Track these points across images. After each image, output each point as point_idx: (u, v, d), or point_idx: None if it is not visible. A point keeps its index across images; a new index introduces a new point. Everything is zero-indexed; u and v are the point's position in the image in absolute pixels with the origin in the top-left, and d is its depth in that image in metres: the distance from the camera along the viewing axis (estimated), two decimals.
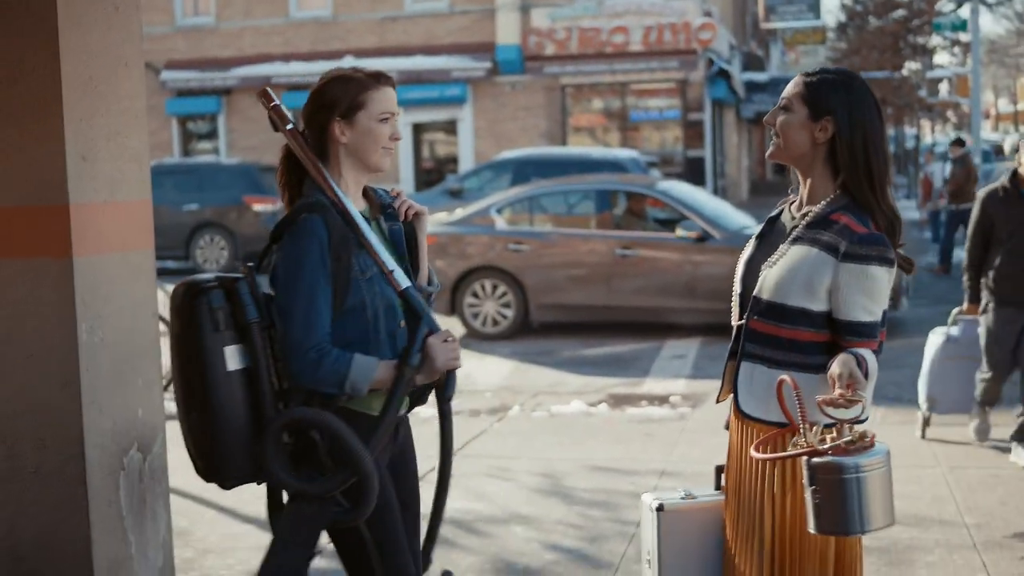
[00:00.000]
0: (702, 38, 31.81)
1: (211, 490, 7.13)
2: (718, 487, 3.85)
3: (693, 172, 31.54)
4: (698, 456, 7.96)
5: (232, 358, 3.38)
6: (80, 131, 4.59)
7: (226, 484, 3.50)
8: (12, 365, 4.64)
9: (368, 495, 3.38)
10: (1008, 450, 7.82)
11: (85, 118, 4.61)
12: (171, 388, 9.83)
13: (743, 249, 3.79)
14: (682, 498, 3.88)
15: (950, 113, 49.98)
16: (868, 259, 3.41)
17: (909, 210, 29.32)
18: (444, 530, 6.40)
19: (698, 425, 8.99)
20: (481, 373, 11.24)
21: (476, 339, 13.56)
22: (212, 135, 35.54)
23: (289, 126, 3.54)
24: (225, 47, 34.91)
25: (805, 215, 3.57)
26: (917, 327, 13.84)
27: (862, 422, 3.28)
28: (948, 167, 24.61)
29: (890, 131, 48.16)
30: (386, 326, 3.49)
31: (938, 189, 24.08)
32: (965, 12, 36.65)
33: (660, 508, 3.81)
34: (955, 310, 8.10)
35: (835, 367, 3.32)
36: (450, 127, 33.87)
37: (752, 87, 40.64)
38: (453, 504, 6.85)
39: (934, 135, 51.92)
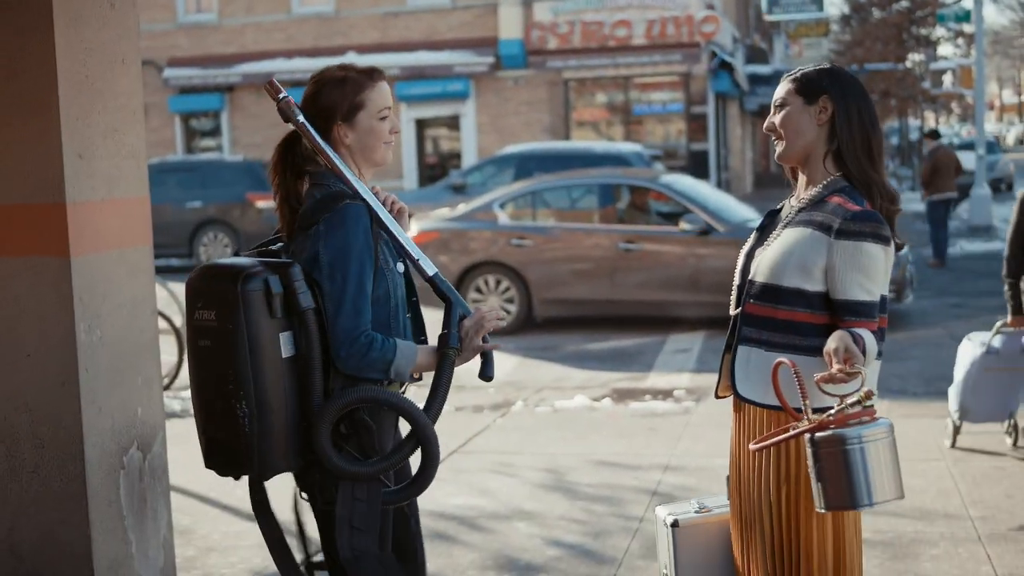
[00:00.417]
0: (705, 31, 31.77)
1: (214, 488, 7.18)
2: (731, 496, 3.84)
3: (697, 165, 31.51)
4: (702, 450, 7.94)
5: (285, 345, 3.33)
6: (77, 129, 4.57)
7: (265, 476, 3.43)
8: (10, 364, 4.63)
9: (431, 465, 3.41)
10: (1012, 443, 7.79)
11: (82, 116, 4.60)
12: (172, 386, 9.81)
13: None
14: (696, 511, 3.87)
15: (954, 104, 49.93)
16: (862, 236, 3.40)
17: (914, 202, 29.26)
18: (446, 526, 6.42)
19: (702, 419, 8.96)
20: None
21: None
22: (215, 132, 35.54)
23: (300, 118, 3.50)
24: (227, 44, 34.89)
25: (802, 201, 3.58)
26: (921, 319, 13.84)
27: (869, 405, 3.27)
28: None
29: (894, 123, 48.17)
30: (402, 315, 3.53)
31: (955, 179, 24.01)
32: (968, 3, 36.66)
33: (675, 524, 3.81)
34: (999, 322, 7.83)
35: (830, 343, 3.31)
36: (453, 122, 33.85)
37: (755, 80, 40.59)
38: (456, 500, 6.87)
39: (938, 126, 51.82)
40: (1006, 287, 7.78)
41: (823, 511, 3.29)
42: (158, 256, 20.45)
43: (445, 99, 32.95)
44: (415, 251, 3.52)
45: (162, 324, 9.90)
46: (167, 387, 10.21)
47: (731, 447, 3.72)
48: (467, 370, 3.78)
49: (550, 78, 32.94)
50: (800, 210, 3.57)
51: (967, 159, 33.90)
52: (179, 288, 12.64)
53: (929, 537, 6.05)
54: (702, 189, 14.90)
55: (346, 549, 3.41)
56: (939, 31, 42.49)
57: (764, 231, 3.70)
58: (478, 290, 13.88)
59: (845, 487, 3.18)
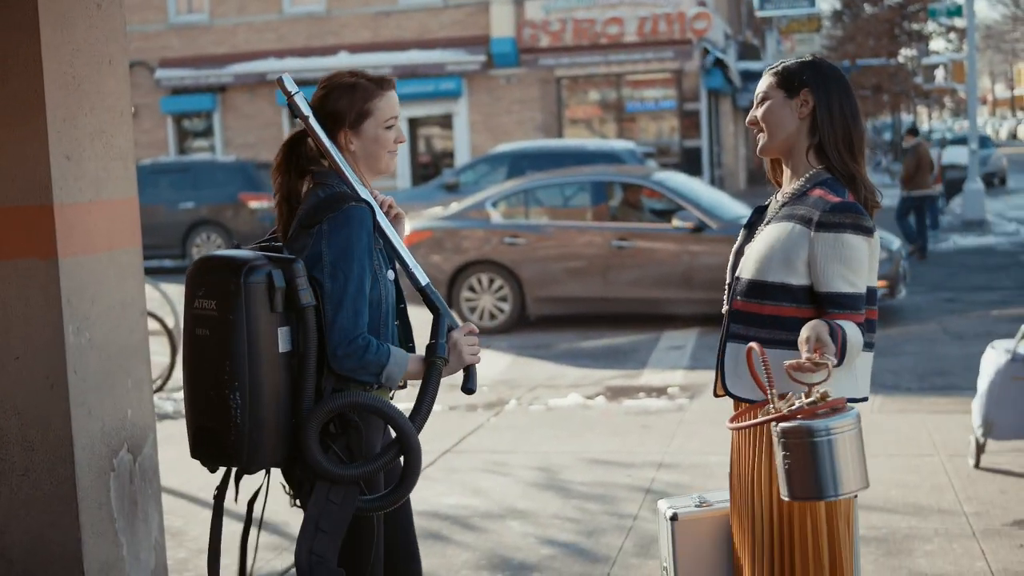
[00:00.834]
0: (697, 28, 31.78)
1: (205, 489, 7.15)
2: None
3: (690, 162, 31.53)
4: (696, 448, 7.93)
5: (283, 340, 3.34)
6: (64, 131, 4.55)
7: (251, 469, 3.42)
8: None
9: (413, 473, 3.42)
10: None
11: (69, 117, 4.58)
12: (165, 387, 9.79)
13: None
14: (696, 506, 3.88)
15: (946, 99, 49.98)
16: (842, 227, 3.39)
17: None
18: (440, 525, 6.41)
19: (696, 416, 8.95)
20: (478, 367, 11.14)
21: None
22: (208, 133, 35.51)
23: (310, 116, 3.50)
24: (219, 44, 34.85)
25: (785, 195, 3.57)
26: (914, 315, 13.84)
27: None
28: (941, 152, 24.84)
29: (887, 118, 48.20)
30: (391, 321, 3.54)
31: (932, 175, 24.15)
32: None
33: (674, 518, 3.81)
34: None
35: (803, 331, 3.31)
36: (445, 121, 33.84)
37: (748, 76, 40.54)
38: (449, 500, 6.85)
39: (931, 121, 51.90)
40: None
41: (787, 499, 3.29)
42: (151, 257, 20.59)
43: (437, 98, 32.93)
44: (410, 260, 3.53)
45: (154, 325, 9.90)
46: (160, 388, 10.19)
47: (731, 442, 3.71)
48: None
49: (542, 76, 32.93)
50: (783, 204, 3.58)
51: (960, 154, 34.00)
52: (172, 289, 12.66)
53: (923, 533, 6.04)
54: (695, 186, 14.89)
55: (304, 552, 3.41)
56: (931, 26, 42.53)
57: (752, 228, 3.70)
58: (471, 289, 13.86)
59: (812, 478, 3.19)
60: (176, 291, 14.25)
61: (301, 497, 3.51)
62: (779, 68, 3.64)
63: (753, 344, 3.36)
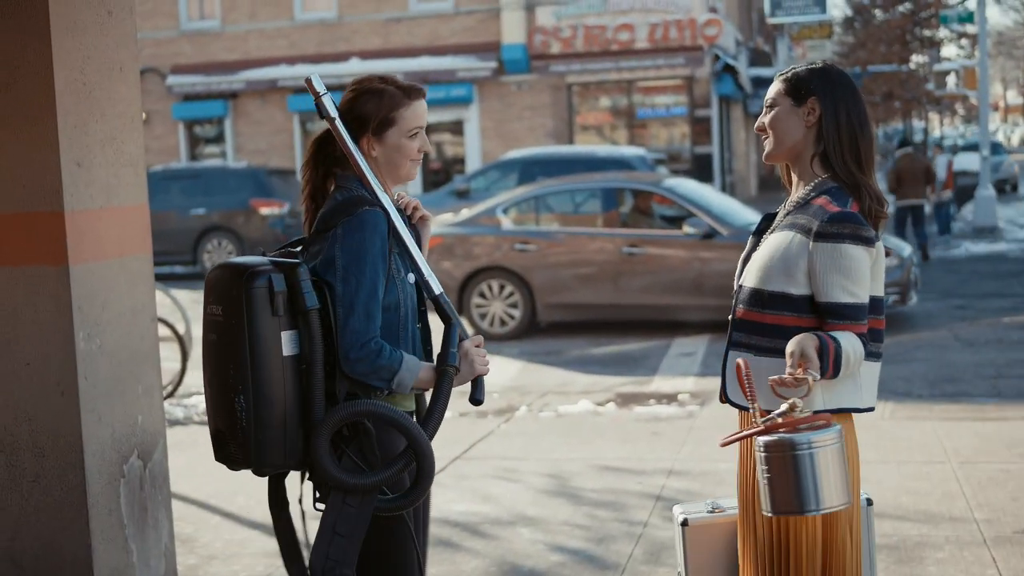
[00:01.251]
0: (708, 34, 31.77)
1: (216, 495, 7.16)
2: None
3: (701, 168, 31.51)
4: (706, 455, 7.91)
5: (287, 344, 3.36)
6: (75, 137, 4.57)
7: (262, 471, 3.44)
8: (10, 374, 4.62)
9: (426, 480, 3.42)
10: (1019, 444, 7.77)
11: (80, 124, 4.59)
12: (176, 394, 9.81)
13: None
14: (709, 511, 3.88)
15: (958, 106, 49.89)
16: (840, 237, 3.38)
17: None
18: (450, 532, 6.40)
19: (706, 423, 8.94)
20: (488, 374, 11.12)
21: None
22: (219, 139, 35.58)
23: (336, 120, 3.51)
24: (231, 51, 34.92)
25: (792, 204, 3.57)
26: (925, 321, 13.81)
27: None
28: (951, 159, 24.99)
29: (898, 124, 48.13)
30: (411, 326, 3.55)
31: (941, 181, 24.30)
32: (972, 4, 36.54)
33: (685, 523, 3.82)
34: None
35: (789, 345, 3.31)
36: (456, 128, 33.86)
37: (759, 83, 40.54)
38: (459, 507, 6.85)
39: (942, 128, 51.82)
40: None
41: (769, 515, 3.29)
42: (162, 263, 20.64)
43: (448, 104, 32.96)
44: (425, 268, 3.53)
45: (165, 331, 9.91)
46: (171, 394, 10.20)
47: (738, 449, 3.71)
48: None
49: (553, 82, 32.95)
50: (788, 213, 3.57)
51: (971, 160, 33.95)
52: (182, 295, 12.65)
53: (934, 540, 6.03)
54: (706, 192, 14.87)
55: (321, 558, 3.42)
56: (942, 32, 42.47)
57: (761, 235, 3.69)
58: (482, 295, 13.86)
59: (793, 492, 3.18)
60: (187, 297, 14.29)
61: (325, 499, 3.52)
62: (789, 75, 3.63)
63: (739, 359, 3.37)
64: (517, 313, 13.79)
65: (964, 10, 35.65)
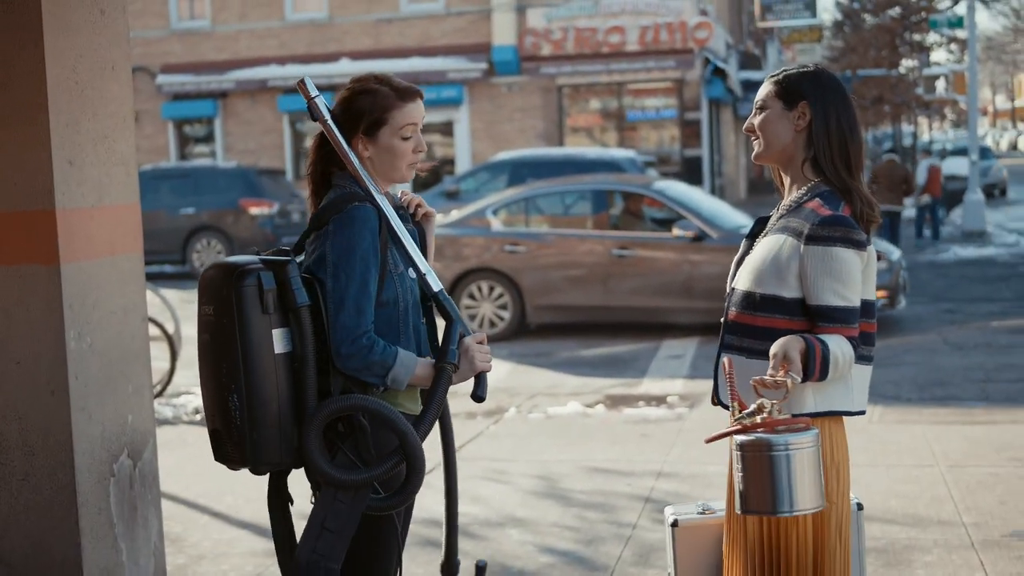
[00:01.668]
0: (698, 37, 31.80)
1: (204, 495, 7.16)
2: None
3: (690, 171, 31.54)
4: (695, 457, 7.92)
5: (279, 341, 3.36)
6: (67, 136, 4.56)
7: (260, 469, 3.44)
8: (0, 372, 4.61)
9: (416, 479, 3.41)
10: (1007, 448, 7.79)
11: (72, 123, 4.59)
12: (165, 393, 9.79)
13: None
14: (699, 513, 3.89)
15: (947, 110, 49.98)
16: (831, 240, 3.39)
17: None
18: (438, 533, 6.34)
19: (695, 425, 8.95)
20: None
21: None
22: (209, 139, 35.53)
23: (328, 119, 3.51)
24: (221, 50, 34.88)
25: (784, 207, 3.58)
26: (915, 325, 13.84)
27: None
28: (932, 164, 25.15)
29: (888, 128, 48.20)
30: (412, 320, 3.55)
31: (920, 186, 24.47)
32: (961, 9, 36.62)
33: (675, 524, 3.83)
34: None
35: (773, 347, 3.32)
36: (447, 129, 33.85)
37: (749, 86, 40.57)
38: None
39: (931, 132, 51.91)
40: None
41: (740, 513, 3.30)
42: (151, 263, 20.59)
43: (439, 105, 32.92)
44: (423, 265, 3.53)
45: (154, 331, 9.90)
46: (160, 394, 10.19)
47: (729, 451, 3.71)
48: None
49: (544, 84, 32.96)
50: (780, 216, 3.58)
51: (960, 165, 34.03)
52: (171, 295, 12.62)
53: (923, 544, 6.04)
54: (695, 195, 14.90)
55: (307, 551, 3.42)
56: (932, 37, 42.53)
57: (754, 238, 3.69)
58: (471, 296, 13.86)
59: (768, 492, 3.19)
60: (176, 297, 14.26)
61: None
62: (780, 77, 3.62)
63: (725, 359, 3.40)
64: (506, 315, 13.79)
65: (954, 15, 35.68)
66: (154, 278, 17.88)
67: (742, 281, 3.56)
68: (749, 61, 43.68)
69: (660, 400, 10.10)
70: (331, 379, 3.40)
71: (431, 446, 3.57)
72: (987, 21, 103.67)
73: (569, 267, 13.72)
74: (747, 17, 46.12)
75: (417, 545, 5.84)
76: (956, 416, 9.03)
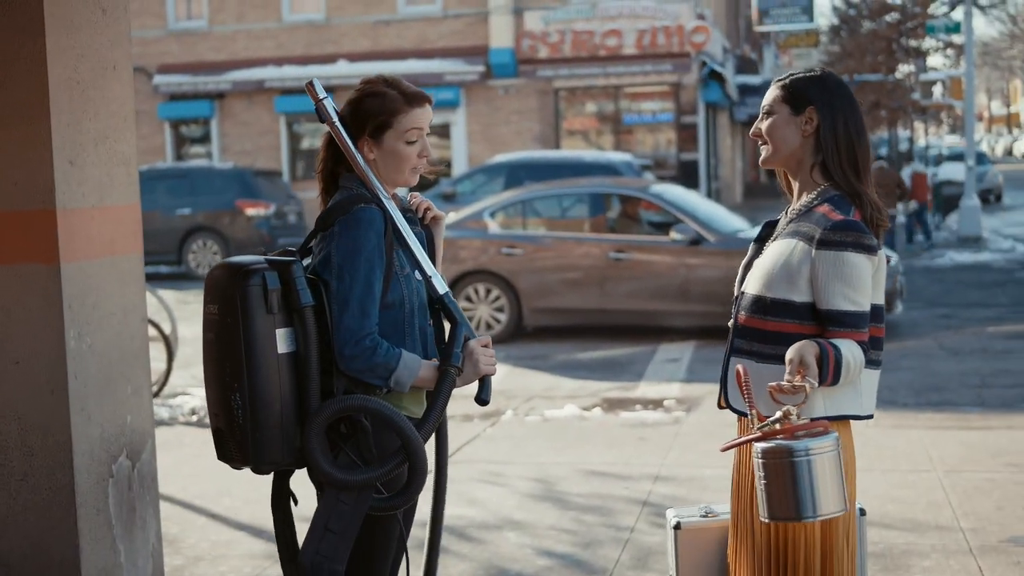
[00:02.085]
0: (695, 41, 31.80)
1: (201, 496, 7.15)
2: None
3: (687, 175, 31.53)
4: (692, 460, 7.92)
5: (283, 341, 3.36)
6: (68, 135, 4.55)
7: (262, 469, 3.44)
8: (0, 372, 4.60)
9: (418, 480, 3.42)
10: (1004, 453, 7.80)
11: (73, 122, 4.58)
12: (161, 394, 9.78)
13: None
14: (702, 516, 3.89)
15: (943, 115, 50.03)
16: (843, 245, 3.39)
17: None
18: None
19: (692, 429, 8.95)
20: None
21: None
22: (205, 139, 35.48)
23: (335, 121, 3.52)
24: (218, 51, 34.85)
25: (794, 211, 3.58)
26: (911, 330, 13.85)
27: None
28: (915, 170, 25.21)
29: (884, 133, 48.23)
30: (419, 322, 3.54)
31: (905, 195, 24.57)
32: (958, 15, 36.68)
33: (677, 527, 3.84)
34: None
35: (788, 352, 3.32)
36: (443, 131, 33.80)
37: (745, 90, 40.62)
38: (445, 510, 6.82)
39: (927, 137, 51.95)
40: None
41: (766, 521, 3.30)
42: (147, 263, 20.51)
43: (436, 107, 32.49)
44: (429, 267, 3.54)
45: (151, 331, 9.88)
46: (156, 395, 10.17)
47: (734, 455, 3.71)
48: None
49: (540, 87, 32.94)
50: (790, 221, 3.58)
51: (956, 170, 34.07)
52: (168, 295, 12.60)
53: (920, 549, 6.04)
54: (693, 199, 14.90)
55: (310, 553, 3.42)
56: (928, 42, 42.59)
57: (762, 242, 3.69)
58: (468, 299, 13.86)
59: (791, 498, 3.19)
60: (172, 297, 14.24)
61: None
62: (787, 81, 3.62)
63: (739, 366, 3.39)
64: (503, 317, 13.79)
65: (951, 20, 35.75)
66: (150, 279, 17.82)
67: (752, 285, 3.55)
68: (746, 65, 43.72)
69: (657, 403, 10.10)
70: (334, 380, 3.41)
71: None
72: (983, 27, 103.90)
73: (566, 270, 13.73)
74: (744, 21, 46.17)
75: (416, 548, 5.82)
76: (952, 421, 9.03)
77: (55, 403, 4.55)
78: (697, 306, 13.17)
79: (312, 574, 3.41)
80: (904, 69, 44.43)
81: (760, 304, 3.50)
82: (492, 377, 3.61)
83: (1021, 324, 14.22)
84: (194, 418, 9.70)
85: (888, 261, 13.18)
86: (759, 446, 3.24)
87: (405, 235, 3.50)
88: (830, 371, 3.31)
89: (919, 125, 47.65)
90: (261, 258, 3.44)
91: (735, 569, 3.65)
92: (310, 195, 31.73)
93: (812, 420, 3.30)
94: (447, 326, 3.59)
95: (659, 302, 13.43)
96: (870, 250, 3.42)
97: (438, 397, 3.44)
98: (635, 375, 11.65)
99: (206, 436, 8.96)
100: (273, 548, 6.15)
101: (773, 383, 3.27)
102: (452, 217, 14.79)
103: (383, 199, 3.49)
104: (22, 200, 4.52)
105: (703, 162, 33.41)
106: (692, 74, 32.34)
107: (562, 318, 13.97)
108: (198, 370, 11.82)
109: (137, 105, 27.96)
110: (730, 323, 3.68)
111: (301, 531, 3.61)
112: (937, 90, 43.07)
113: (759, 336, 3.51)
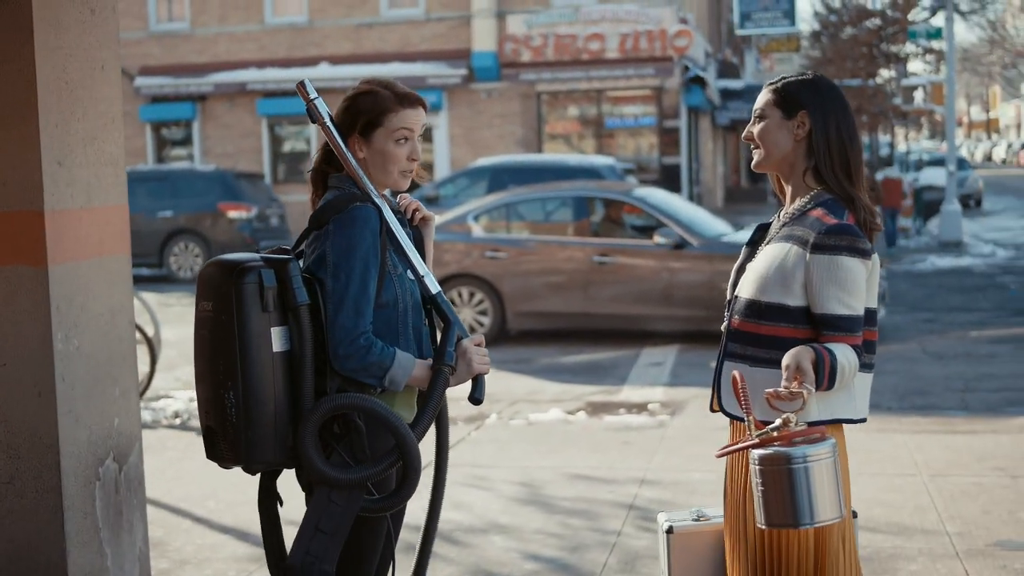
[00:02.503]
0: (678, 45, 31.84)
1: (186, 499, 7.12)
2: None
3: (669, 179, 31.55)
4: (677, 464, 7.92)
5: (277, 340, 3.35)
6: (56, 136, 4.52)
7: (253, 468, 3.43)
8: None
9: (412, 480, 3.41)
10: (989, 457, 7.81)
11: (61, 123, 4.55)
12: (144, 396, 9.71)
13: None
14: (694, 519, 3.89)
15: (923, 120, 50.22)
16: (837, 249, 3.39)
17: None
18: (418, 538, 6.35)
19: (676, 433, 8.94)
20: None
21: None
22: (187, 141, 35.37)
23: (327, 121, 3.51)
24: (200, 53, 34.76)
25: (787, 215, 3.58)
26: (894, 334, 13.88)
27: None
28: (882, 174, 25.36)
29: (864, 139, 48.35)
30: (413, 321, 3.53)
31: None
32: (939, 20, 36.81)
33: (670, 531, 3.83)
34: None
35: (785, 358, 3.32)
36: (426, 134, 33.66)
37: (727, 95, 40.72)
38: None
39: (908, 142, 52.16)
40: None
41: (763, 528, 3.29)
42: None
43: None
44: (421, 267, 3.54)
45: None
46: (139, 397, 10.11)
47: (726, 460, 3.71)
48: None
49: (523, 91, 32.94)
50: (784, 225, 3.57)
51: (938, 175, 34.19)
52: (150, 298, 12.52)
53: (907, 553, 6.05)
54: (676, 203, 14.90)
55: (300, 553, 3.41)
56: (908, 48, 42.74)
57: (755, 246, 3.69)
58: (451, 302, 13.81)
59: (788, 505, 3.19)
60: (154, 300, 14.17)
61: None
62: (779, 85, 3.62)
63: (735, 372, 3.39)
64: (487, 320, 13.78)
65: (932, 26, 35.88)
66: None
67: (745, 289, 3.55)
68: (727, 70, 43.81)
69: (641, 407, 10.09)
70: (328, 379, 3.39)
71: (425, 450, 3.55)
72: (963, 32, 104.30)
73: (550, 273, 13.72)
74: (726, 26, 46.27)
75: (400, 551, 5.80)
76: (937, 425, 9.05)
77: (42, 405, 4.51)
78: (680, 310, 13.17)
79: (302, 574, 3.40)
80: (885, 75, 44.59)
81: (754, 308, 3.50)
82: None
83: (1004, 328, 14.27)
84: (177, 421, 9.66)
85: None
86: (756, 453, 3.23)
87: (398, 235, 3.49)
88: (826, 376, 3.32)
89: (899, 130, 47.80)
90: (256, 255, 3.43)
91: (731, 573, 3.64)
92: (292, 198, 31.79)
93: (809, 426, 3.29)
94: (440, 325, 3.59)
95: (643, 306, 13.43)
96: (864, 254, 3.43)
97: (432, 396, 3.43)
98: (619, 379, 11.65)
99: (189, 439, 8.93)
100: (258, 551, 6.14)
101: (770, 390, 3.26)
102: (436, 220, 14.75)
103: (375, 198, 3.48)
104: (10, 201, 4.48)
105: (685, 166, 33.46)
106: (674, 78, 32.38)
107: (546, 322, 13.96)
108: (181, 372, 11.84)
109: None
110: (723, 327, 3.68)
111: (287, 532, 3.60)
112: (918, 95, 43.23)
113: (753, 340, 3.50)
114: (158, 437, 9.01)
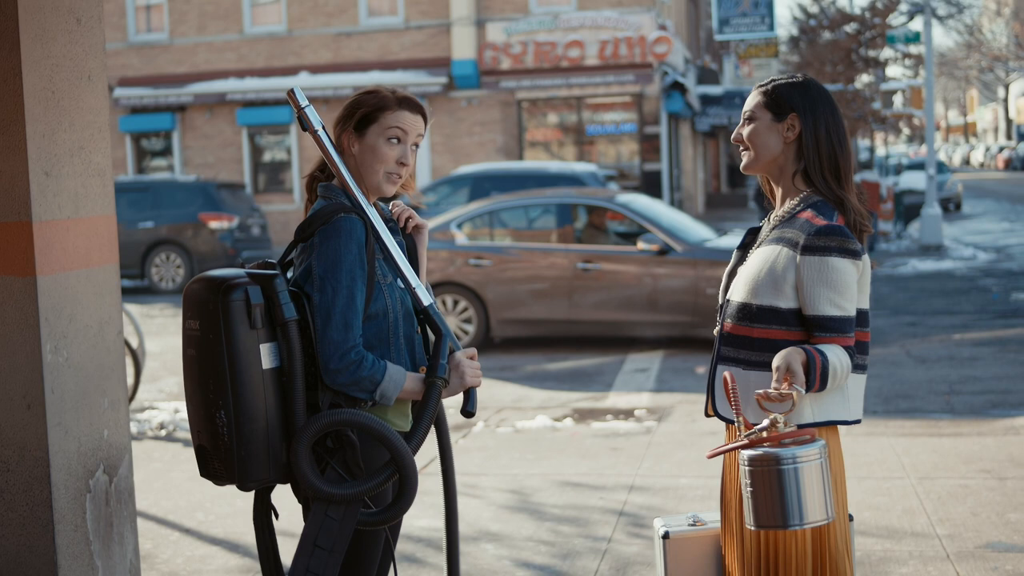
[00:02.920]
0: (657, 52, 31.91)
1: (174, 511, 7.08)
2: None
3: (650, 185, 31.63)
4: (666, 470, 7.91)
5: (267, 356, 3.32)
6: (43, 146, 4.49)
7: (247, 486, 3.39)
8: None
9: (409, 492, 3.39)
10: (976, 460, 7.83)
11: (48, 133, 4.52)
12: (130, 407, 9.65)
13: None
14: (690, 525, 3.88)
15: (902, 124, 50.40)
16: (827, 250, 3.39)
17: None
18: (412, 548, 6.35)
19: (664, 438, 8.94)
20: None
21: None
22: (167, 152, 35.32)
23: (318, 129, 3.49)
24: (179, 63, 34.71)
25: (776, 218, 3.58)
26: (877, 338, 13.89)
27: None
28: (859, 177, 25.36)
29: None
30: (404, 331, 3.51)
31: None
32: (917, 25, 36.94)
33: (666, 536, 3.82)
34: None
35: (775, 359, 3.32)
36: None
37: (707, 100, 40.80)
38: (420, 522, 6.80)
39: (887, 147, 52.33)
40: None
41: (752, 528, 3.29)
42: None
43: None
44: (413, 278, 3.51)
45: None
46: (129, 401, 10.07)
47: (722, 463, 3.71)
48: None
49: (503, 98, 32.98)
50: (774, 227, 3.58)
51: (917, 179, 34.29)
52: (134, 309, 12.46)
53: (898, 555, 6.05)
54: (659, 209, 14.91)
55: (300, 570, 3.38)
56: (887, 52, 42.87)
57: (745, 249, 3.69)
58: None
59: (777, 506, 3.20)
60: (137, 311, 14.12)
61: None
62: (769, 87, 3.62)
63: (726, 373, 3.39)
64: (471, 328, 13.76)
65: (910, 31, 35.97)
66: None
67: (737, 292, 3.55)
68: (707, 76, 43.90)
69: (628, 413, 10.08)
70: (319, 394, 3.36)
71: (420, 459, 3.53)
72: (940, 37, 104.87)
73: (534, 281, 13.71)
74: (704, 32, 46.39)
75: (397, 557, 5.78)
76: (922, 428, 9.06)
77: (32, 418, 4.48)
78: (665, 316, 13.18)
79: None
80: (864, 79, 44.72)
81: (746, 311, 3.50)
82: (476, 389, 3.58)
83: (986, 331, 14.31)
84: (163, 432, 9.62)
85: None
86: (746, 454, 3.23)
87: (388, 244, 3.47)
88: (817, 377, 3.32)
89: (878, 135, 47.96)
90: (242, 272, 3.39)
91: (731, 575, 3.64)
92: (273, 208, 31.75)
93: (799, 428, 3.29)
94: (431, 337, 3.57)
95: (627, 312, 13.44)
96: (854, 255, 3.43)
97: (425, 409, 3.41)
98: (604, 385, 11.65)
99: (175, 450, 8.89)
100: (249, 562, 6.11)
101: (760, 390, 3.27)
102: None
103: (364, 207, 3.45)
104: None
105: (666, 172, 33.52)
106: (654, 85, 32.46)
107: (530, 329, 13.96)
108: (165, 384, 11.81)
109: None
110: (715, 331, 3.67)
111: (283, 545, 3.57)
112: (897, 100, 43.36)
113: (746, 343, 3.50)
114: (144, 449, 8.96)
